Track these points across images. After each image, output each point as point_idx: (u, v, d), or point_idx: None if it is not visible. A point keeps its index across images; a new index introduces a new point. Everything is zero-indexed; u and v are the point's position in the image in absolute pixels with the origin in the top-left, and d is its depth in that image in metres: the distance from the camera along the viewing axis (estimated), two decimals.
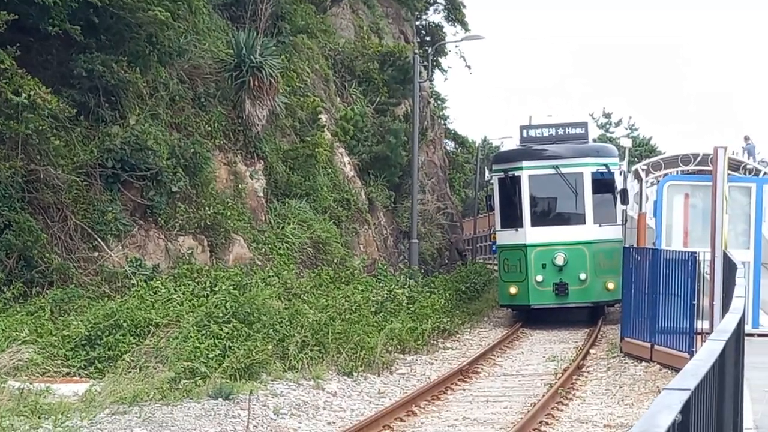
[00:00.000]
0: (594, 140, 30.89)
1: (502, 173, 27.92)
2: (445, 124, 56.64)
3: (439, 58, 50.53)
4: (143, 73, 21.19)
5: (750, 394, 11.38)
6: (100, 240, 18.97)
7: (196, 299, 17.55)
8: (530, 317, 27.98)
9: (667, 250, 19.17)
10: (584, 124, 29.26)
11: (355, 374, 17.67)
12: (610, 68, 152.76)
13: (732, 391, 6.85)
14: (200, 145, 22.10)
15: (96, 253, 18.88)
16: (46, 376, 14.09)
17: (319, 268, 24.72)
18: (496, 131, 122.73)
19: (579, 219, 27.11)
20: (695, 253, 17.53)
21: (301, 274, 24.10)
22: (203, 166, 22.00)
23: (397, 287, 25.34)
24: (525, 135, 28.54)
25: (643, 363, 18.98)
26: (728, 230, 19.11)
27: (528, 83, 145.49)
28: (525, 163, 27.23)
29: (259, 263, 22.69)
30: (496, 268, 32.29)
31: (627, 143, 30.60)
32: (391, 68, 36.06)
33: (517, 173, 27.29)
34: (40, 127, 17.94)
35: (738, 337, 7.79)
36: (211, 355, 15.16)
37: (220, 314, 16.79)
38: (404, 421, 14.14)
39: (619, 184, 27.36)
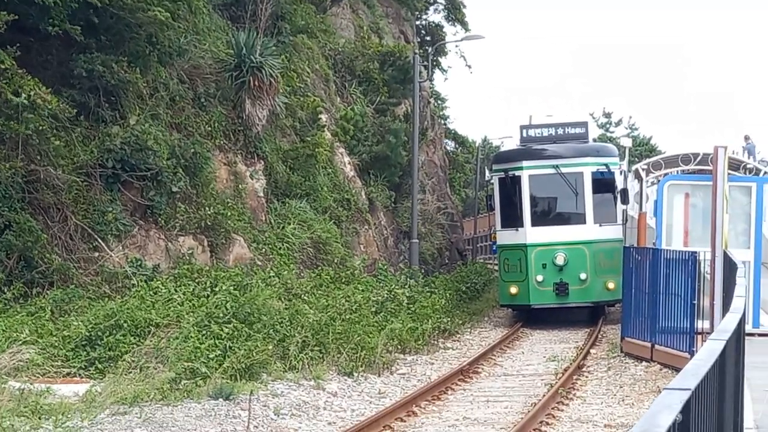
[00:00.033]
0: (594, 140, 30.89)
1: (503, 173, 27.91)
2: (445, 124, 56.64)
3: (439, 58, 50.52)
4: (143, 73, 21.18)
5: (750, 394, 11.38)
6: (100, 240, 18.97)
7: (196, 299, 17.54)
8: (530, 317, 27.97)
9: (667, 250, 19.16)
10: (584, 124, 29.24)
11: (355, 374, 17.66)
12: (610, 68, 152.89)
13: (732, 391, 6.85)
14: (200, 145, 22.10)
15: (96, 254, 18.87)
16: (46, 377, 14.08)
17: (319, 268, 24.70)
18: (496, 131, 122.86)
19: (579, 219, 27.10)
20: (695, 252, 17.52)
21: (302, 274, 24.09)
22: (203, 166, 21.99)
23: (397, 287, 25.32)
24: (525, 135, 28.53)
25: (644, 363, 18.98)
26: (728, 230, 19.10)
27: (528, 83, 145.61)
28: (525, 163, 27.22)
29: (260, 263, 22.68)
30: (496, 268, 32.28)
31: (627, 143, 30.61)
32: (391, 68, 36.05)
33: (517, 173, 27.28)
34: (40, 128, 17.92)
35: (738, 336, 7.79)
36: (211, 356, 15.15)
37: (221, 314, 16.78)
38: (405, 422, 14.13)
39: (619, 184, 27.35)
